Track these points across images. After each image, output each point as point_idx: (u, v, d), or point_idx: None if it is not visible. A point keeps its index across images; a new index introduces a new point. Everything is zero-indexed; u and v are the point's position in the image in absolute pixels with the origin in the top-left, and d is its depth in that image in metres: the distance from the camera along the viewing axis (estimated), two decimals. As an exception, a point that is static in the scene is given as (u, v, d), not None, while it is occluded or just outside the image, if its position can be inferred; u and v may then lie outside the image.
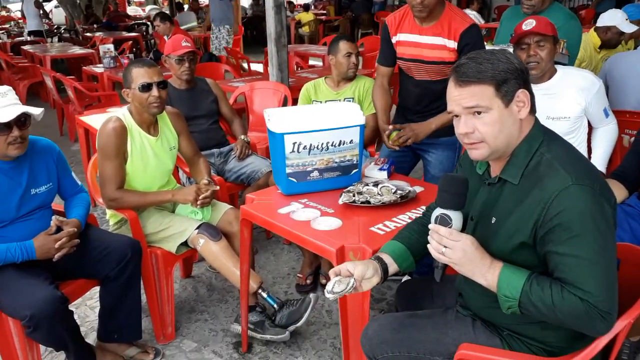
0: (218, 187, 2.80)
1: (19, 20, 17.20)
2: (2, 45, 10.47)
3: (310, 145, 2.28)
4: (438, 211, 1.47)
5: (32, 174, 2.29)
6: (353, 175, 2.41)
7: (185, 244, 2.63)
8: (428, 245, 1.48)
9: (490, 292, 1.45)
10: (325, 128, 2.27)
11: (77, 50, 8.80)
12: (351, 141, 2.34)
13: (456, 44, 2.55)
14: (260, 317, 2.61)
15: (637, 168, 2.41)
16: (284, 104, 4.34)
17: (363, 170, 2.55)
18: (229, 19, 8.17)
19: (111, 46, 6.67)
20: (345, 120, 2.31)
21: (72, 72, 8.88)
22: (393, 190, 2.26)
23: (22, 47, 9.64)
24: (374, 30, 13.47)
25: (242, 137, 3.59)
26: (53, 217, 2.29)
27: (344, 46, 3.41)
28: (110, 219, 2.80)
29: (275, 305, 2.59)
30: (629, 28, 4.07)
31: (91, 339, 2.67)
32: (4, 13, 21.47)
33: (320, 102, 3.54)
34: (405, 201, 2.22)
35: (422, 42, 2.65)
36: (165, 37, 6.95)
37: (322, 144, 2.29)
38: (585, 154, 2.74)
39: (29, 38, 11.52)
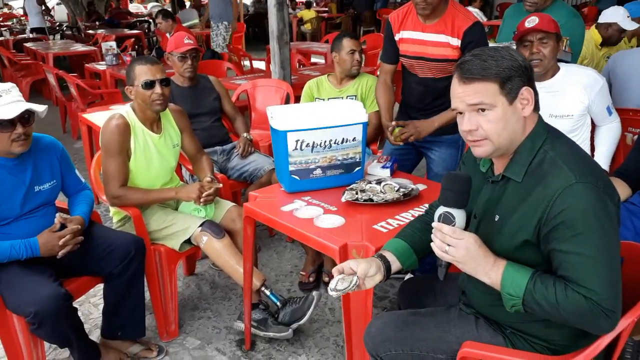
0: (221, 185, 2.80)
1: (21, 18, 17.20)
2: (5, 43, 10.50)
3: (313, 142, 2.28)
4: (441, 209, 1.47)
5: (36, 171, 2.30)
6: (356, 173, 2.41)
7: (188, 241, 2.63)
8: (431, 244, 1.48)
9: (493, 290, 1.45)
10: (328, 126, 2.28)
11: (79, 47, 8.80)
12: (354, 139, 2.34)
13: (459, 41, 2.55)
14: (263, 315, 2.62)
15: (640, 166, 2.41)
16: (287, 101, 4.35)
17: (366, 168, 2.55)
18: (227, 15, 8.17)
19: (113, 43, 6.68)
20: (348, 117, 2.31)
21: (75, 69, 8.89)
22: (396, 188, 2.26)
23: (25, 44, 9.65)
24: (376, 27, 13.45)
25: (245, 134, 3.59)
26: (57, 215, 2.30)
27: (347, 43, 3.41)
28: (113, 217, 2.81)
29: (278, 303, 2.60)
30: (630, 25, 4.07)
31: (95, 336, 2.68)
32: (6, 10, 21.47)
33: (323, 99, 3.54)
34: (408, 199, 2.22)
35: (425, 39, 2.64)
36: (167, 35, 6.96)
37: (325, 141, 2.30)
38: (588, 152, 2.73)
39: (31, 35, 11.52)
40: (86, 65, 6.95)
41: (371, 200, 2.18)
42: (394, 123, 2.66)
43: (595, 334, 1.43)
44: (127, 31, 11.20)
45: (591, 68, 2.88)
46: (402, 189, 2.25)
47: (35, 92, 8.03)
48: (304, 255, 3.38)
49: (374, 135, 3.51)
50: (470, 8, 7.76)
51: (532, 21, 2.49)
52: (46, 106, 2.27)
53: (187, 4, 14.30)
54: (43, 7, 12.60)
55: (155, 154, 2.69)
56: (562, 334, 1.52)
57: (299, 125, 2.25)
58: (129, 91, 2.64)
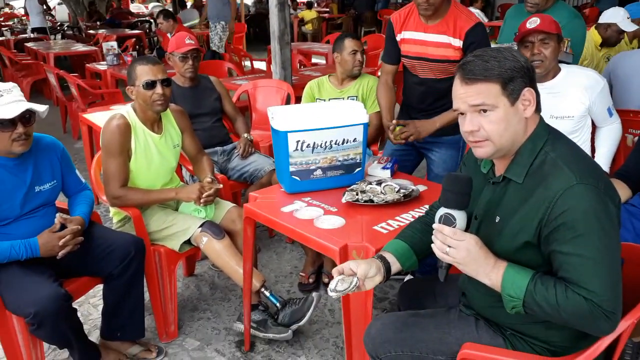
0: (221, 185, 2.80)
1: (22, 18, 17.21)
2: (6, 43, 10.49)
3: (314, 143, 2.28)
4: (442, 211, 1.47)
5: (36, 172, 2.30)
6: (356, 174, 2.41)
7: (188, 242, 2.63)
8: (432, 245, 1.48)
9: (494, 292, 1.45)
10: (329, 126, 2.27)
11: (80, 47, 8.80)
12: (355, 139, 2.34)
13: (461, 42, 2.55)
14: (263, 316, 2.62)
15: (641, 167, 2.41)
16: (287, 102, 4.35)
17: (366, 168, 2.55)
18: (225, 15, 8.16)
19: (114, 43, 6.68)
20: (348, 118, 2.30)
21: (75, 69, 8.90)
22: (396, 189, 2.26)
23: (26, 44, 9.65)
24: (377, 28, 13.45)
25: (245, 135, 3.59)
26: (57, 215, 2.29)
27: (349, 44, 3.41)
28: (113, 217, 2.81)
29: (277, 304, 2.60)
30: (629, 27, 4.07)
31: (94, 337, 2.67)
32: (7, 10, 21.49)
33: (324, 100, 3.53)
34: (408, 200, 2.22)
35: (427, 40, 2.64)
36: (168, 35, 6.96)
37: (326, 142, 2.29)
38: (589, 153, 2.73)
39: (32, 35, 11.53)
40: (87, 65, 6.95)
41: (371, 201, 2.18)
42: (394, 122, 2.66)
43: (596, 336, 1.43)
44: (128, 31, 11.20)
45: (592, 69, 2.88)
46: (402, 190, 2.25)
47: (36, 92, 8.04)
48: (304, 256, 3.37)
49: (375, 136, 3.51)
50: (471, 9, 7.77)
51: (533, 22, 2.48)
52: (47, 106, 2.26)
53: (189, 4, 14.30)
54: (44, 7, 12.60)
55: (155, 154, 2.69)
56: (562, 336, 1.52)
57: (299, 125, 2.24)
58: (130, 91, 2.64)
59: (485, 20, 9.11)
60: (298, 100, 4.13)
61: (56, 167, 2.40)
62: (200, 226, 2.60)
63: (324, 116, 2.31)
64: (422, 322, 1.71)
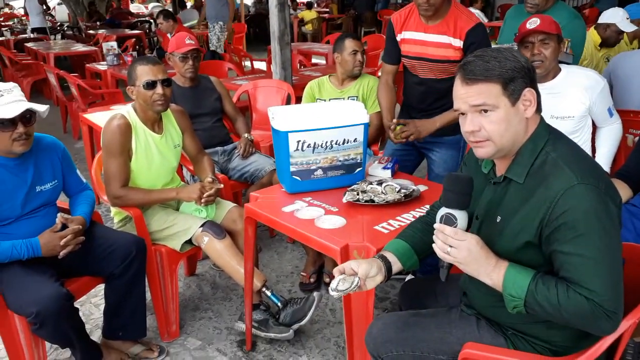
0: (222, 185, 2.80)
1: (22, 18, 17.21)
2: (6, 43, 10.49)
3: (315, 143, 2.28)
4: (443, 210, 1.47)
5: (37, 171, 2.30)
6: (357, 174, 2.41)
7: (189, 241, 2.63)
8: (433, 245, 1.48)
9: (495, 291, 1.45)
10: (330, 126, 2.28)
11: (80, 47, 8.80)
12: (355, 140, 2.34)
13: (462, 42, 2.55)
14: (264, 316, 2.62)
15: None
16: (287, 102, 4.35)
17: (367, 168, 2.55)
18: (223, 16, 8.16)
19: (114, 44, 6.68)
20: (349, 118, 2.31)
21: (76, 69, 8.90)
22: (397, 189, 2.26)
23: (26, 44, 9.65)
24: (377, 28, 13.45)
25: (246, 135, 3.59)
26: (58, 215, 2.30)
27: (350, 44, 3.41)
28: (114, 217, 2.81)
29: (279, 304, 2.60)
30: (628, 27, 4.07)
31: (96, 336, 2.68)
32: (7, 10, 21.48)
33: (325, 100, 3.54)
34: (409, 200, 2.22)
35: (427, 40, 2.65)
36: (168, 35, 6.96)
37: (326, 142, 2.30)
38: (590, 154, 2.73)
39: (32, 35, 11.53)
40: (87, 65, 6.96)
41: (372, 201, 2.19)
42: (395, 121, 2.67)
43: (597, 336, 1.43)
44: (128, 31, 11.21)
45: (591, 69, 2.89)
46: (403, 190, 2.25)
47: (36, 92, 8.04)
48: (305, 256, 3.38)
49: (375, 136, 3.52)
50: (471, 9, 7.78)
51: (533, 22, 2.49)
52: (47, 106, 2.26)
53: (188, 4, 14.30)
54: (44, 7, 12.60)
55: (156, 154, 2.69)
56: (564, 335, 1.52)
57: (300, 126, 2.25)
58: (131, 91, 2.64)
59: (485, 20, 9.12)
60: (298, 100, 4.13)
61: (57, 167, 2.40)
62: (201, 226, 2.60)
63: (325, 116, 2.31)
64: (423, 321, 1.72)
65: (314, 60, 8.17)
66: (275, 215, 2.21)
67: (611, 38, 4.16)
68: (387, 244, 1.76)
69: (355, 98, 3.46)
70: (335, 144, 2.31)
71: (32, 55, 8.91)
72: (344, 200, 2.22)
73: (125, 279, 2.40)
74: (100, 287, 2.53)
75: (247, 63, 8.49)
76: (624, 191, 2.38)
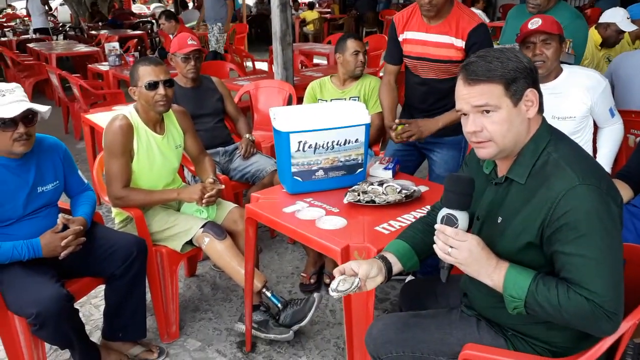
0: (223, 186, 2.80)
1: (25, 18, 17.24)
2: (8, 43, 10.51)
3: (316, 144, 2.28)
4: (444, 211, 1.47)
5: (39, 172, 2.30)
6: (358, 175, 2.41)
7: (190, 242, 2.63)
8: (434, 246, 1.48)
9: (495, 292, 1.45)
10: (331, 127, 2.27)
11: (82, 48, 8.82)
12: (356, 140, 2.34)
13: (464, 42, 2.55)
14: (264, 317, 2.62)
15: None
16: (289, 102, 4.35)
17: (368, 169, 2.55)
18: (221, 17, 8.16)
19: (116, 44, 6.69)
20: (350, 119, 2.30)
21: (78, 70, 8.91)
22: (398, 190, 2.26)
23: (28, 45, 9.66)
24: (379, 28, 13.45)
25: (247, 135, 3.59)
26: (59, 215, 2.30)
27: (351, 44, 3.41)
28: (115, 217, 2.81)
29: (279, 305, 2.60)
30: (628, 27, 4.08)
31: (95, 337, 2.68)
32: (9, 11, 21.53)
33: (326, 100, 3.54)
34: (410, 200, 2.21)
35: (429, 40, 2.64)
36: (170, 36, 6.96)
37: (328, 142, 2.29)
38: (591, 154, 2.73)
39: (34, 36, 11.55)
40: (89, 65, 6.96)
41: (373, 201, 2.18)
42: (397, 121, 2.66)
43: (597, 336, 1.43)
44: (130, 32, 11.22)
45: (593, 69, 2.88)
46: (404, 191, 2.25)
47: (38, 92, 8.05)
48: (305, 256, 3.37)
49: (377, 136, 3.51)
50: (473, 9, 7.77)
51: (535, 23, 2.48)
52: (49, 107, 2.26)
53: (190, 4, 14.31)
54: (46, 8, 12.62)
55: (158, 154, 2.70)
56: (564, 336, 1.52)
57: (301, 126, 2.24)
58: (133, 92, 2.65)
59: (486, 20, 9.10)
60: (300, 100, 4.13)
61: (58, 167, 2.40)
62: (202, 227, 2.60)
63: (326, 117, 2.31)
64: (423, 322, 1.71)
65: (315, 61, 8.17)
66: (276, 216, 2.20)
67: (611, 38, 4.16)
68: (388, 244, 1.76)
69: (357, 98, 3.46)
70: (337, 144, 2.31)
71: (34, 56, 8.92)
72: (345, 200, 2.21)
73: (125, 280, 2.40)
74: (100, 288, 2.53)
75: (249, 63, 8.50)
76: (625, 192, 2.37)
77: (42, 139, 2.36)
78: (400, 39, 2.78)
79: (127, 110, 2.67)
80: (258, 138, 3.77)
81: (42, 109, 2.21)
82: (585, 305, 1.32)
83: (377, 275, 1.60)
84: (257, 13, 17.09)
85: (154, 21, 14.03)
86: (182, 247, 2.63)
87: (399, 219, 2.09)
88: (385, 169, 2.57)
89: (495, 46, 2.36)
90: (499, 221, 1.52)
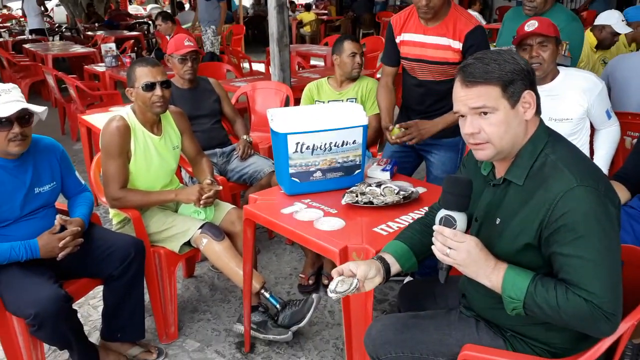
0: (221, 187, 2.80)
1: (21, 19, 17.21)
2: (4, 44, 10.48)
3: (314, 145, 2.28)
4: (442, 212, 1.47)
5: (36, 173, 2.30)
6: (356, 176, 2.42)
7: (188, 243, 2.63)
8: (432, 247, 1.48)
9: (494, 293, 1.45)
10: (329, 128, 2.28)
11: (78, 49, 8.80)
12: (354, 141, 2.34)
13: (461, 44, 2.56)
14: (263, 317, 2.62)
15: (639, 170, 2.41)
16: (286, 104, 4.35)
17: (366, 170, 2.56)
18: (215, 20, 8.16)
19: (113, 45, 6.67)
20: (348, 120, 2.31)
21: (74, 71, 8.89)
22: (396, 191, 2.26)
23: (24, 45, 9.63)
24: (376, 30, 13.47)
25: (245, 137, 3.60)
26: (57, 216, 2.29)
27: (348, 46, 3.41)
28: (113, 218, 2.81)
29: (277, 306, 2.60)
30: (623, 29, 4.10)
31: (94, 338, 2.68)
32: (5, 11, 21.48)
33: (323, 102, 3.54)
34: (408, 202, 2.22)
35: (426, 42, 2.65)
36: (167, 37, 6.96)
37: (325, 144, 2.30)
38: (588, 156, 2.74)
39: (30, 36, 11.52)
40: (85, 66, 6.95)
41: (371, 203, 2.19)
42: (397, 126, 2.65)
43: (596, 337, 1.44)
44: (127, 33, 11.21)
45: (589, 71, 2.89)
46: (402, 192, 2.25)
47: (34, 93, 8.02)
48: (304, 257, 3.37)
49: (374, 138, 3.52)
50: (469, 11, 7.78)
51: (531, 25, 2.49)
52: (46, 107, 2.26)
53: (186, 6, 14.30)
54: (42, 9, 12.59)
55: (155, 155, 2.69)
56: (563, 337, 1.52)
57: (299, 127, 2.25)
58: (130, 93, 2.64)
59: (483, 22, 9.12)
60: (297, 102, 4.14)
61: (56, 168, 2.40)
62: (200, 228, 2.60)
63: (324, 118, 2.31)
64: (422, 323, 1.72)
65: (312, 62, 8.18)
66: (274, 217, 2.21)
67: (606, 40, 4.18)
68: (386, 245, 1.76)
69: (354, 100, 3.46)
70: (334, 145, 2.31)
71: (30, 57, 8.89)
72: (343, 202, 2.22)
73: (123, 281, 2.40)
74: (99, 289, 2.53)
75: (246, 65, 8.50)
76: (622, 193, 2.38)
77: (38, 140, 2.36)
78: (397, 40, 2.78)
79: (125, 111, 2.67)
80: (255, 139, 3.77)
81: (38, 109, 2.21)
82: (583, 306, 1.33)
83: (376, 276, 1.60)
84: (254, 14, 17.09)
85: (150, 22, 14.01)
86: (180, 248, 2.62)
87: (397, 220, 2.10)
88: (383, 170, 2.57)
89: (492, 48, 2.38)
90: (497, 222, 1.52)
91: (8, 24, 16.87)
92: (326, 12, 16.41)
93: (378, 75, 3.14)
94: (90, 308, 3.02)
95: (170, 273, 2.67)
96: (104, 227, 2.64)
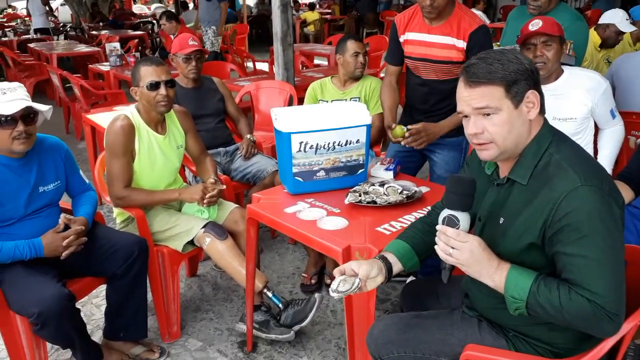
0: (224, 186, 2.81)
1: (25, 18, 17.26)
2: (9, 43, 10.52)
3: (317, 144, 2.28)
4: (445, 212, 1.47)
5: (40, 172, 2.30)
6: (359, 175, 2.42)
7: (191, 242, 2.63)
8: (435, 247, 1.48)
9: (497, 293, 1.45)
10: (332, 128, 2.28)
11: (83, 48, 8.82)
12: (358, 141, 2.34)
13: (465, 44, 2.55)
14: (265, 317, 2.62)
15: (643, 170, 2.41)
16: (290, 103, 4.35)
17: (369, 170, 2.55)
18: (215, 20, 8.16)
19: (117, 44, 6.69)
20: (352, 120, 2.31)
21: (78, 70, 8.92)
22: (399, 191, 2.26)
23: (29, 45, 9.66)
24: (379, 29, 13.46)
25: (248, 136, 3.60)
26: (61, 215, 2.30)
27: (351, 45, 3.41)
28: (117, 217, 2.81)
29: (280, 305, 2.60)
30: (627, 28, 4.10)
31: (97, 337, 2.68)
32: (10, 11, 21.54)
33: (327, 101, 3.54)
34: (411, 201, 2.22)
35: (430, 41, 2.65)
36: (171, 36, 6.97)
37: (329, 143, 2.30)
38: (592, 155, 2.73)
39: (35, 36, 11.55)
40: (90, 66, 6.96)
41: (374, 202, 2.18)
42: (406, 130, 2.62)
43: (599, 337, 1.43)
44: (131, 32, 11.23)
45: (593, 70, 2.89)
46: (405, 192, 2.25)
47: (39, 92, 8.04)
48: (306, 257, 3.38)
49: (377, 137, 3.51)
50: (473, 10, 7.77)
51: (535, 24, 2.49)
52: (50, 106, 2.27)
53: (190, 5, 14.32)
54: (47, 8, 12.63)
55: (159, 155, 2.70)
56: (566, 337, 1.52)
57: (303, 127, 2.25)
58: (134, 92, 2.65)
59: (487, 22, 9.10)
60: (300, 101, 4.13)
61: (60, 167, 2.41)
62: (203, 227, 2.60)
63: (327, 117, 2.31)
64: (424, 323, 1.72)
65: (316, 62, 8.17)
66: (277, 217, 2.21)
67: (610, 39, 4.17)
68: (388, 244, 1.76)
69: (358, 99, 3.46)
70: (338, 145, 2.31)
71: (35, 56, 8.92)
72: (346, 201, 2.22)
73: (127, 280, 2.40)
74: (102, 288, 2.53)
75: (250, 64, 8.50)
76: (626, 193, 2.37)
77: (43, 139, 2.37)
78: (401, 39, 2.78)
79: (129, 111, 2.67)
80: (259, 138, 3.77)
81: (42, 108, 2.22)
82: (586, 306, 1.32)
83: (378, 276, 1.60)
84: (257, 14, 17.11)
85: (154, 21, 14.04)
86: (184, 247, 2.63)
87: (400, 219, 2.09)
88: (387, 169, 2.57)
89: (496, 47, 2.37)
90: (500, 222, 1.52)
91: (13, 24, 16.93)
92: (330, 11, 16.40)
93: (382, 75, 3.13)
94: (93, 307, 3.03)
95: (173, 272, 2.68)
96: (107, 226, 2.65)
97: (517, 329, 1.58)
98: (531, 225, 1.42)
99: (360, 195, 2.23)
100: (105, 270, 2.40)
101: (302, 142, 2.26)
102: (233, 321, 2.87)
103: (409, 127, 2.60)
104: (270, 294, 2.59)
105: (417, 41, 2.70)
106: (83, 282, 2.40)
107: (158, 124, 2.72)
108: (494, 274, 1.42)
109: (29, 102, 2.16)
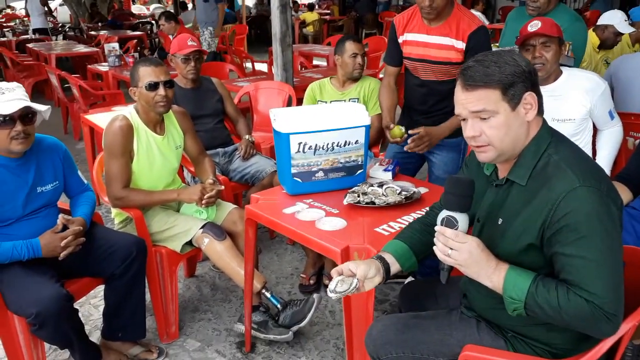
0: (223, 187, 2.80)
1: (24, 19, 17.24)
2: (7, 43, 10.50)
3: (316, 145, 2.28)
4: (444, 213, 1.47)
5: (38, 172, 2.30)
6: (358, 176, 2.42)
7: (189, 243, 2.63)
8: (434, 247, 1.48)
9: (495, 294, 1.45)
10: (331, 128, 2.28)
11: (82, 48, 8.81)
12: (356, 142, 2.34)
13: (464, 44, 2.55)
14: (264, 317, 2.62)
15: (642, 171, 2.41)
16: (289, 103, 4.35)
17: (368, 170, 2.55)
18: (213, 21, 8.17)
19: (116, 45, 6.69)
20: (350, 120, 2.31)
21: (77, 70, 8.91)
22: (398, 191, 2.26)
23: (27, 45, 9.65)
24: (378, 30, 13.47)
25: (247, 136, 3.60)
26: (59, 216, 2.30)
27: (350, 46, 3.40)
28: (115, 218, 2.81)
29: (278, 305, 2.60)
30: (626, 29, 4.10)
31: (95, 337, 2.68)
32: (8, 11, 21.53)
33: (326, 102, 3.54)
34: (409, 202, 2.22)
35: (429, 42, 2.65)
36: (170, 36, 6.97)
37: (328, 144, 2.30)
38: (590, 156, 2.73)
39: (33, 36, 11.54)
40: (88, 66, 6.96)
41: (373, 203, 2.18)
42: (411, 134, 2.62)
43: (597, 338, 1.44)
44: (130, 32, 11.23)
45: (592, 72, 2.89)
46: (403, 192, 2.25)
47: (37, 93, 8.04)
48: (305, 257, 3.38)
49: (376, 138, 3.52)
50: (472, 11, 7.78)
51: (534, 25, 2.49)
52: (49, 106, 2.27)
53: (189, 6, 14.32)
54: (46, 8, 12.62)
55: (158, 155, 2.70)
56: (564, 338, 1.52)
57: (301, 127, 2.25)
58: (133, 92, 2.65)
59: (486, 22, 9.12)
60: (299, 102, 4.13)
61: (58, 168, 2.40)
62: (202, 227, 2.60)
63: (326, 118, 2.31)
64: (423, 323, 1.72)
65: (315, 62, 8.18)
66: (275, 217, 2.21)
67: (609, 40, 4.18)
68: (386, 244, 1.76)
69: (356, 100, 3.46)
70: (337, 145, 2.31)
71: (34, 56, 8.91)
72: (345, 202, 2.22)
73: (125, 280, 2.40)
74: (100, 288, 2.53)
75: (248, 64, 8.50)
76: (625, 194, 2.37)
77: (41, 139, 2.37)
78: (400, 40, 2.78)
79: (127, 111, 2.67)
80: (258, 139, 3.77)
81: (41, 108, 2.21)
82: (585, 306, 1.32)
83: (375, 276, 1.60)
84: (256, 14, 17.11)
85: (153, 22, 14.04)
86: (182, 248, 2.63)
87: (398, 220, 2.09)
88: (385, 170, 2.57)
89: (495, 48, 2.37)
90: (499, 223, 1.52)
91: (11, 24, 16.89)
92: (329, 12, 16.42)
93: (381, 75, 3.13)
94: (91, 307, 3.02)
95: (172, 272, 2.67)
96: (105, 227, 2.65)
97: (516, 329, 1.58)
98: (530, 225, 1.42)
99: (359, 196, 2.23)
100: (103, 271, 2.40)
101: (301, 142, 2.26)
102: (231, 321, 2.87)
103: (410, 131, 2.60)
104: (268, 295, 2.59)
105: (416, 42, 2.70)
106: (81, 283, 2.40)
107: (157, 125, 2.71)
108: (492, 274, 1.43)
109: (27, 102, 2.16)
